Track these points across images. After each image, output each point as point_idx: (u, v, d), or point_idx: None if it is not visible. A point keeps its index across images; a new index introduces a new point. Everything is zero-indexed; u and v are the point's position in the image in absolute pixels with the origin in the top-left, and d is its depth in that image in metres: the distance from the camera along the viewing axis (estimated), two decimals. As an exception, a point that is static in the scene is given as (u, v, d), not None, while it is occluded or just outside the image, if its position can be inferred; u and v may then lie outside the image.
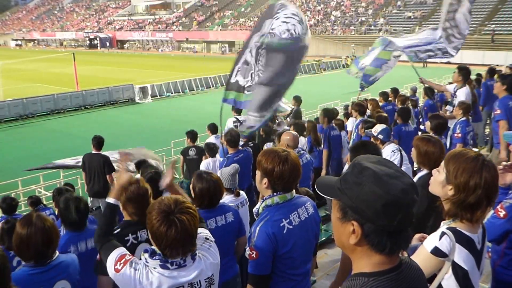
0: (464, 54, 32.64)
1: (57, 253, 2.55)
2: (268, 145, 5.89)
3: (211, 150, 6.61)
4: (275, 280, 2.34)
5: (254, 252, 2.25)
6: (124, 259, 2.03)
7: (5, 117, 19.91)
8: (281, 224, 2.27)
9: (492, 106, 6.65)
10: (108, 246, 2.17)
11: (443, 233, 1.88)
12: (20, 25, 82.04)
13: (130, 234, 2.67)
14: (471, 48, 35.25)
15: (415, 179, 3.18)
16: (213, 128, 7.62)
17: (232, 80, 5.54)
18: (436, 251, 1.86)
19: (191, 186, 3.13)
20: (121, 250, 2.11)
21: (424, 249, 1.90)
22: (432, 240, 1.90)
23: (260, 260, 2.25)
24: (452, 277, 1.86)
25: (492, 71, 9.70)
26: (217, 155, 6.62)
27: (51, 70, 37.50)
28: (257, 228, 2.27)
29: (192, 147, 7.22)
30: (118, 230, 2.62)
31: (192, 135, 7.38)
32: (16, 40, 74.54)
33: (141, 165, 5.55)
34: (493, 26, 37.52)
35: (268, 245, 2.24)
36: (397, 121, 6.85)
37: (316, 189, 1.35)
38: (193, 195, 3.07)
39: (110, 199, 2.45)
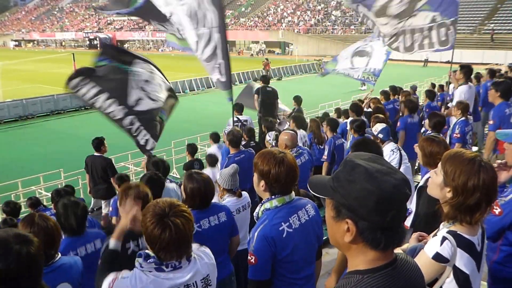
0: (464, 53, 32.65)
1: (59, 254, 2.53)
2: (270, 135, 5.88)
3: (210, 160, 6.68)
4: (277, 284, 2.31)
5: (253, 257, 2.21)
6: (113, 278, 1.97)
7: (5, 118, 19.84)
8: (280, 228, 2.23)
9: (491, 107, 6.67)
10: (105, 271, 2.07)
11: (444, 238, 1.86)
12: (19, 26, 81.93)
13: (131, 241, 2.62)
14: (471, 47, 35.30)
15: (422, 180, 3.15)
16: (215, 137, 7.69)
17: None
18: (438, 257, 1.84)
19: (181, 187, 3.10)
20: (114, 275, 2.00)
21: (425, 255, 1.89)
22: (433, 246, 1.88)
23: (259, 265, 2.21)
24: (453, 282, 1.85)
25: (492, 72, 9.69)
26: (217, 165, 6.68)
27: (51, 70, 37.40)
28: (256, 233, 2.24)
29: (195, 161, 7.29)
30: None
31: (192, 149, 7.45)
32: (16, 40, 74.44)
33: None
34: (492, 25, 37.57)
35: (267, 249, 2.20)
36: (404, 112, 7.06)
37: (309, 188, 1.34)
38: (184, 195, 3.05)
39: (111, 242, 2.26)
